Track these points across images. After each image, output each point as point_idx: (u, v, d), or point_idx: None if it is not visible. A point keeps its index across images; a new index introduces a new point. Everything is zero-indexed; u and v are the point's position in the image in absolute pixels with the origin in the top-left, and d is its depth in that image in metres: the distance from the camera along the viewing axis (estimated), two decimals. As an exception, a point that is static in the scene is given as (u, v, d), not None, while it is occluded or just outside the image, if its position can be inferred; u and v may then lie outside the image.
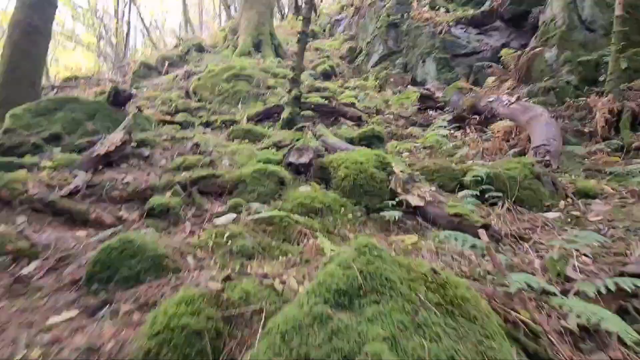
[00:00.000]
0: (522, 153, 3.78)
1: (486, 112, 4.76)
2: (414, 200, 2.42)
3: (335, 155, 2.90)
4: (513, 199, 2.56)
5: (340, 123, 4.76)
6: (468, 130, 4.77)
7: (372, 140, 4.01)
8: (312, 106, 4.91)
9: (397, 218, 2.31)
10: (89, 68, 17.45)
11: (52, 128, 3.46)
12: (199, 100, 6.71)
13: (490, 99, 4.78)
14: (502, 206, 2.51)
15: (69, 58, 21.63)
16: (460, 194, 2.68)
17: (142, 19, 17.20)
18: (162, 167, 3.16)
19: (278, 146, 3.76)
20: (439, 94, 5.95)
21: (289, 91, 4.64)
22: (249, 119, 4.84)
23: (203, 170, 2.84)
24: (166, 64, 9.21)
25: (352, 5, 14.51)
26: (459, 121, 5.05)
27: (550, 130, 3.66)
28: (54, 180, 2.60)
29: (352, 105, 5.30)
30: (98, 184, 2.63)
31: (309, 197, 2.41)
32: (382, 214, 2.36)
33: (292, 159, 2.93)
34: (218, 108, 6.38)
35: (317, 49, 10.86)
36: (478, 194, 2.62)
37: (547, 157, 3.31)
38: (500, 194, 2.59)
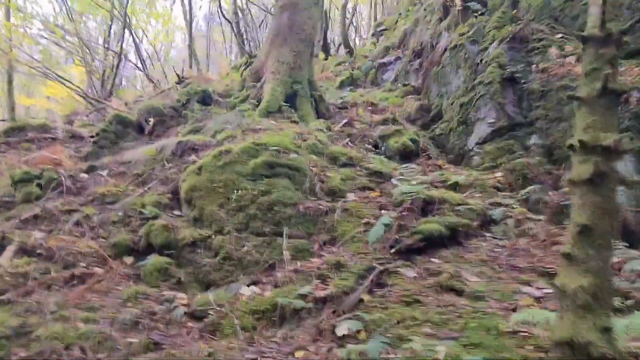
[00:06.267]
0: None
1: None
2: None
3: None
4: None
5: None
6: None
7: None
8: None
9: None
10: (68, 106, 14.32)
11: None
12: (197, 220, 3.32)
13: None
14: None
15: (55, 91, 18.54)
16: None
17: (136, 48, 14.21)
18: None
19: None
20: None
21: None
22: None
23: None
24: (151, 121, 5.92)
25: (400, 47, 11.64)
26: None
27: None
28: None
29: None
30: None
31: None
32: None
33: None
34: (236, 250, 2.98)
35: (372, 104, 7.68)
36: None
37: None
38: None
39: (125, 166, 4.62)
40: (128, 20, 14.20)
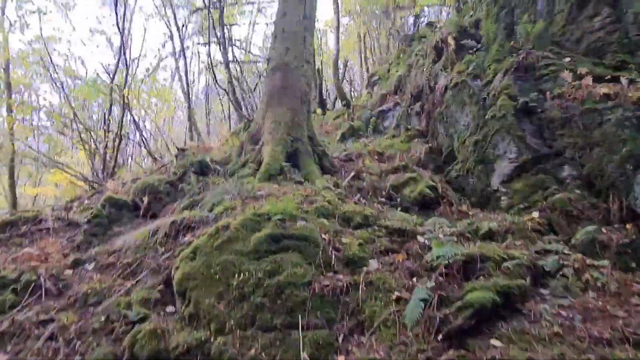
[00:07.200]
0: None
1: None
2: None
3: None
4: None
5: None
6: None
7: None
8: None
9: None
10: (69, 192, 14.21)
11: None
12: (192, 318, 2.74)
13: None
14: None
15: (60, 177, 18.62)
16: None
17: (137, 127, 14.31)
18: None
19: None
20: None
21: None
22: None
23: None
24: (145, 200, 5.51)
25: (396, 93, 11.55)
26: None
27: None
28: None
29: None
30: None
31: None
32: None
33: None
34: (241, 355, 2.37)
35: (378, 153, 7.30)
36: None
37: None
38: None
39: (114, 255, 4.11)
40: (127, 102, 14.46)
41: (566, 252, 3.45)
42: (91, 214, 5.43)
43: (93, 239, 5.12)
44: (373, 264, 3.09)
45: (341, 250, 3.21)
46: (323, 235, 3.30)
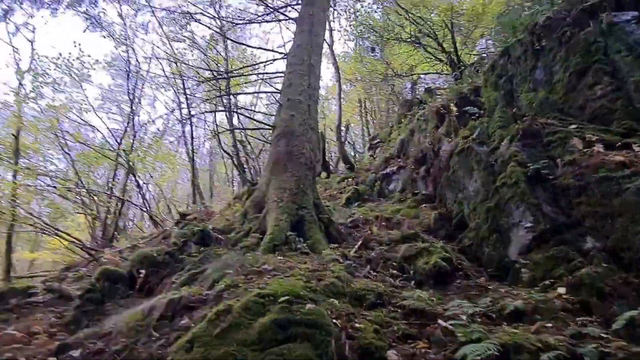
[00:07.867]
0: None
1: None
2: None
3: None
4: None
5: None
6: None
7: None
8: None
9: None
10: (67, 257, 13.84)
11: None
12: None
13: None
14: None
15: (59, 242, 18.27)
16: None
17: (140, 191, 14.31)
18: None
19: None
20: None
21: None
22: None
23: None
24: (142, 274, 5.22)
25: (399, 157, 11.62)
26: None
27: None
28: None
29: None
30: None
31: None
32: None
33: None
34: None
35: (386, 219, 7.08)
36: None
37: None
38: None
39: (104, 340, 3.74)
40: (132, 166, 14.61)
41: (604, 335, 3.11)
42: (84, 288, 5.11)
43: (84, 317, 4.77)
44: (392, 355, 2.74)
45: (355, 337, 2.88)
46: (334, 320, 2.98)
